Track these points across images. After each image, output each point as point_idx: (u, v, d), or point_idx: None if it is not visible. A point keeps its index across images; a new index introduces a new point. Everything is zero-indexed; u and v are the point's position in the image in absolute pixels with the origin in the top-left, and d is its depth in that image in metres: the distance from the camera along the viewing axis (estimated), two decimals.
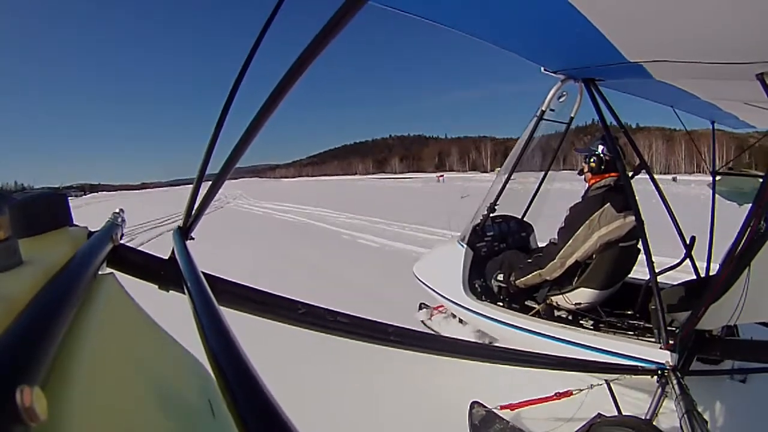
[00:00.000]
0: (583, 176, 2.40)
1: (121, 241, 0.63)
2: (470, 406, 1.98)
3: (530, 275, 2.40)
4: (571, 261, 2.26)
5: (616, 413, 1.72)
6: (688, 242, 2.54)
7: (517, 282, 2.49)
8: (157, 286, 0.67)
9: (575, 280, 2.31)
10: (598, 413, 1.62)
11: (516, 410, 1.95)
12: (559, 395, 1.86)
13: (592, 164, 2.29)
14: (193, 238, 0.76)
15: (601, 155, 2.26)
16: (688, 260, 2.58)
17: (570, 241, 2.22)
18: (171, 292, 0.67)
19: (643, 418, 1.59)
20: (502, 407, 1.94)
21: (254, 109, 0.60)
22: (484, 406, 1.96)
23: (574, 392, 1.83)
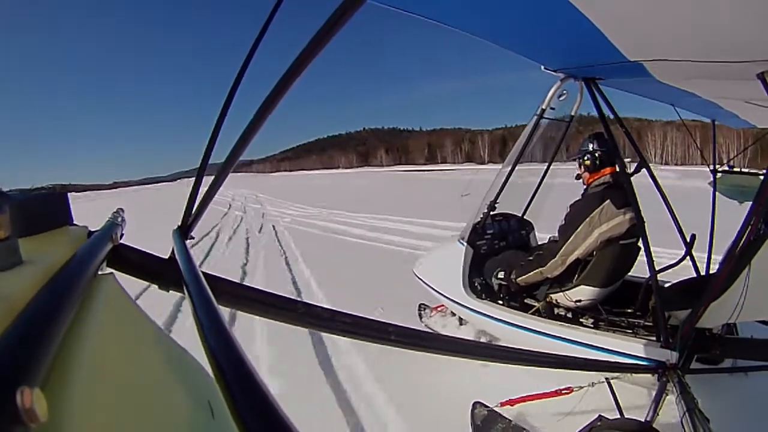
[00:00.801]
0: (581, 179, 2.40)
1: (121, 241, 0.63)
2: (472, 406, 1.97)
3: (531, 273, 2.40)
4: (572, 259, 2.26)
5: (617, 412, 1.72)
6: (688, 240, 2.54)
7: (518, 280, 2.49)
8: (157, 286, 0.67)
9: (575, 277, 2.31)
10: (599, 415, 1.62)
11: (517, 406, 1.95)
12: (559, 391, 1.86)
13: (587, 162, 2.29)
14: (192, 238, 0.76)
15: (593, 151, 2.25)
16: (688, 258, 2.58)
17: (571, 239, 2.22)
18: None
19: (644, 418, 1.59)
20: (503, 403, 1.94)
21: (253, 108, 0.60)
22: (486, 406, 1.96)
23: (575, 389, 1.83)
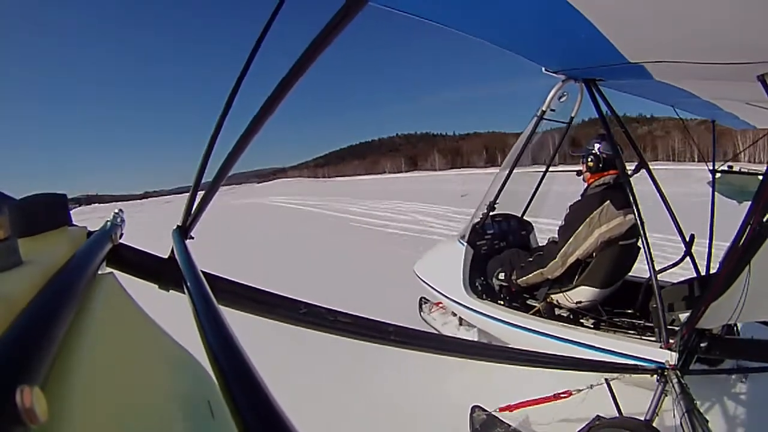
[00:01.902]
0: (581, 176, 2.41)
1: (121, 241, 0.63)
2: (471, 410, 1.97)
3: (532, 274, 2.41)
4: (572, 259, 2.26)
5: (616, 412, 1.72)
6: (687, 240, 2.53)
7: (519, 281, 2.49)
8: (157, 286, 0.67)
9: (576, 278, 2.31)
10: (597, 415, 1.62)
11: (516, 411, 1.94)
12: (558, 395, 1.85)
13: (590, 163, 2.30)
14: (192, 238, 0.76)
15: (598, 153, 2.26)
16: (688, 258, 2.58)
17: (571, 240, 2.22)
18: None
19: (643, 417, 1.59)
20: (501, 409, 1.93)
21: (254, 108, 0.60)
22: (485, 410, 1.95)
23: (573, 392, 1.83)
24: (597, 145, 2.28)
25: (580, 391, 1.81)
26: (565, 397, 1.83)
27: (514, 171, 2.71)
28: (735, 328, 2.33)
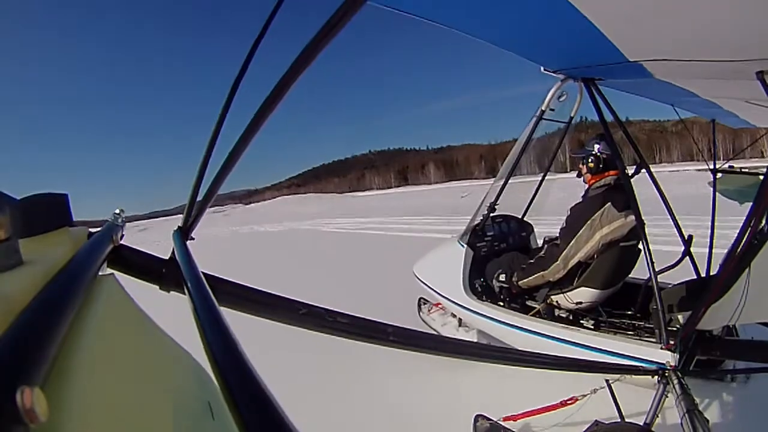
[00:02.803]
0: (581, 178, 2.40)
1: (122, 242, 0.63)
2: (474, 419, 1.96)
3: (533, 276, 2.40)
4: (573, 262, 2.25)
5: (617, 415, 1.72)
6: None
7: (520, 283, 2.49)
8: (157, 287, 0.67)
9: (576, 279, 2.31)
10: (596, 420, 1.62)
11: (519, 420, 1.93)
12: (563, 402, 1.83)
13: (590, 164, 2.29)
14: (193, 239, 0.76)
15: (598, 154, 2.26)
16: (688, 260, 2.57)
17: (572, 242, 2.22)
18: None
19: (643, 421, 1.58)
20: (505, 418, 1.92)
21: (253, 109, 0.60)
22: (489, 419, 1.94)
23: (579, 398, 1.82)
24: (596, 146, 2.27)
25: (584, 396, 1.80)
26: (570, 404, 1.81)
27: (515, 178, 2.71)
28: (734, 330, 2.33)
